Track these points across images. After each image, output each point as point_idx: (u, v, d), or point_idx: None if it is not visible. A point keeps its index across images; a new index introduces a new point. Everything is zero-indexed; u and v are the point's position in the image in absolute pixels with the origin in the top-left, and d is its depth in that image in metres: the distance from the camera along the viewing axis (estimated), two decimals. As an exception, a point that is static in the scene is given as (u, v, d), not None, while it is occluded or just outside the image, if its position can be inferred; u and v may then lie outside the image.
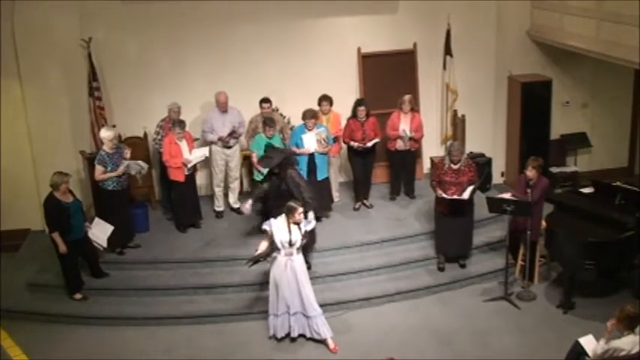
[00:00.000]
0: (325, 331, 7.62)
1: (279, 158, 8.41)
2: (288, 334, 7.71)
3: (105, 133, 8.73)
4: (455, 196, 8.42)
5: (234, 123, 9.63)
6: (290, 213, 7.34)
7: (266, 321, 7.93)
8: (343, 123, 9.78)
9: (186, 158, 9.16)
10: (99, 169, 8.63)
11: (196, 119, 10.05)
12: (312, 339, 7.71)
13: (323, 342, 7.64)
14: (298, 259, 7.47)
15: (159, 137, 9.56)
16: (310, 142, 9.22)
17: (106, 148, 8.66)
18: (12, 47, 9.46)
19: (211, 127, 9.58)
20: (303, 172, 9.12)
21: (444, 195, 8.47)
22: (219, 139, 9.54)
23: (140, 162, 8.88)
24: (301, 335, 7.73)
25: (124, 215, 8.93)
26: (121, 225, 8.79)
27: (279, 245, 7.39)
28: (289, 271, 7.42)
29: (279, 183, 8.34)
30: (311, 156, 9.25)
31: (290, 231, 7.34)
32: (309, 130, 9.20)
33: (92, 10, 9.64)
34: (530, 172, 8.30)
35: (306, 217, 7.51)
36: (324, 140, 9.28)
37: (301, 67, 10.35)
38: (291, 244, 7.35)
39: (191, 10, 9.89)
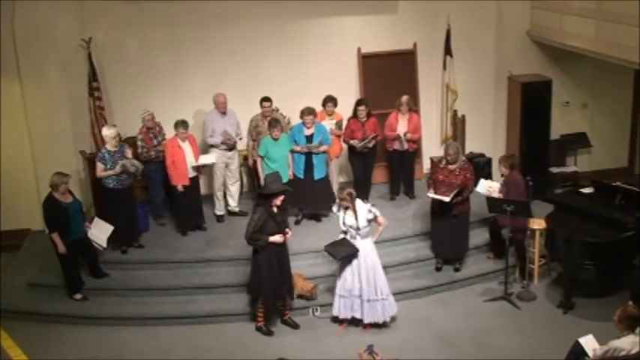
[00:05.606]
0: (381, 316, 7.77)
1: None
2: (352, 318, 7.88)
3: (106, 132, 8.76)
4: (438, 196, 8.40)
5: (233, 125, 9.60)
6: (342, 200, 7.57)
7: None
8: (345, 124, 9.78)
9: (191, 162, 9.12)
10: (99, 166, 8.68)
11: (196, 119, 10.04)
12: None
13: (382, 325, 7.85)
14: (363, 243, 7.61)
15: (144, 150, 9.23)
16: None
17: (109, 146, 8.69)
18: (12, 47, 9.46)
19: (213, 130, 9.47)
20: (301, 172, 9.22)
21: (429, 194, 8.53)
22: (226, 140, 9.45)
23: (135, 161, 8.83)
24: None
25: (126, 214, 8.91)
26: (123, 223, 8.80)
27: (346, 228, 7.65)
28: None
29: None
30: (308, 155, 9.24)
31: (357, 217, 7.50)
32: (308, 127, 9.19)
33: (92, 10, 9.64)
34: (501, 169, 8.48)
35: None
36: (337, 128, 9.51)
37: (301, 67, 10.35)
38: (356, 229, 7.55)
39: (191, 10, 9.89)
